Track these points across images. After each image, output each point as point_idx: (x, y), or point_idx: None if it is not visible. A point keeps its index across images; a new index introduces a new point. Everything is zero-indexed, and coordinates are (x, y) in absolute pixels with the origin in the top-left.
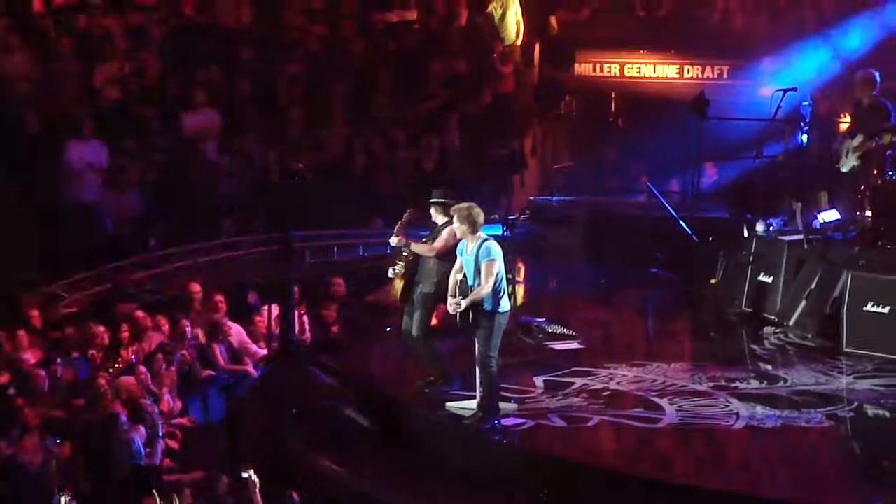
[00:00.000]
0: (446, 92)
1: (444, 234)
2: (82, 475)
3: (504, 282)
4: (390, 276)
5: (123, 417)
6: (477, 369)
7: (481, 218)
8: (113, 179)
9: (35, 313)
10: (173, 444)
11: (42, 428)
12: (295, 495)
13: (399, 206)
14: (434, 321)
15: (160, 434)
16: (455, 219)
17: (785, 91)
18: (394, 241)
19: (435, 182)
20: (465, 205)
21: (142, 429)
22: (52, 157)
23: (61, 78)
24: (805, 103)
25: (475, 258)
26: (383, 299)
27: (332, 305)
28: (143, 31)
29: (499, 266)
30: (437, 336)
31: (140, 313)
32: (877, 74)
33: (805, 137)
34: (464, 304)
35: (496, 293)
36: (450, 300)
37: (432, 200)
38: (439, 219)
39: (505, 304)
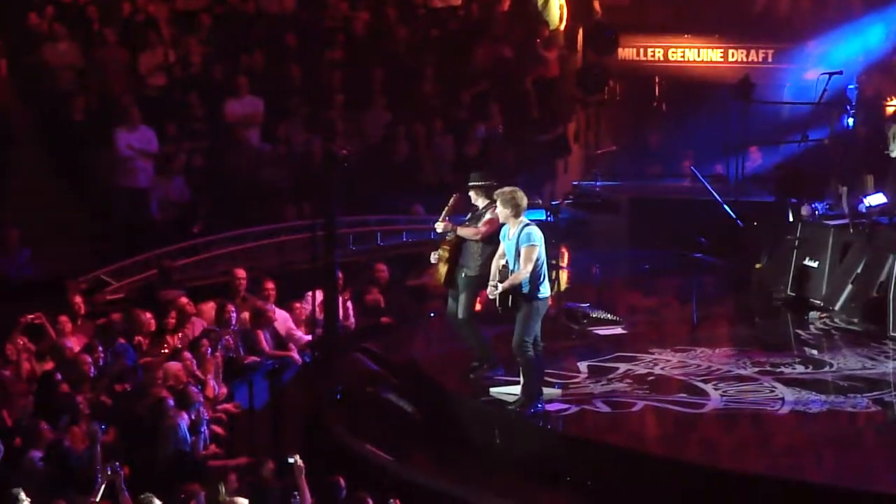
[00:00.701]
0: (489, 78)
1: (488, 215)
2: (127, 460)
3: (545, 267)
4: (433, 260)
5: (170, 403)
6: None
7: (524, 202)
8: (161, 166)
9: (79, 299)
10: (219, 430)
11: (90, 415)
12: (341, 480)
13: (441, 193)
14: (478, 306)
15: (205, 420)
16: (498, 203)
17: (831, 74)
18: (440, 226)
19: (476, 167)
20: (508, 189)
21: (187, 415)
22: (99, 145)
23: (107, 66)
24: (851, 87)
25: (516, 243)
26: (427, 284)
27: (375, 291)
28: (188, 18)
29: (539, 251)
30: (483, 322)
31: (184, 299)
32: None
33: (851, 121)
34: (500, 287)
35: (536, 278)
36: (490, 284)
37: (472, 183)
38: (480, 202)
39: (544, 290)
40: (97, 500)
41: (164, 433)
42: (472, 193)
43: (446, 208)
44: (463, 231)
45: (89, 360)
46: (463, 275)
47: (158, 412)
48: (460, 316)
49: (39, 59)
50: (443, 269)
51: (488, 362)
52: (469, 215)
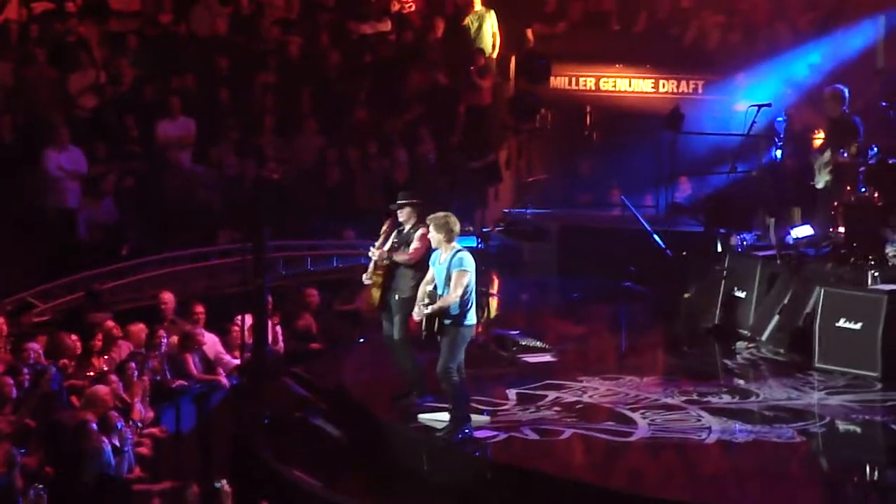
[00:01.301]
0: (422, 104)
1: (416, 237)
2: (50, 483)
3: (473, 294)
4: (366, 282)
5: (94, 426)
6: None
7: (457, 227)
8: (90, 187)
9: (2, 320)
10: (145, 453)
11: (11, 436)
12: None
13: (373, 218)
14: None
15: (130, 443)
16: (431, 227)
17: (759, 106)
18: (374, 254)
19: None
20: (441, 214)
21: (112, 439)
22: (27, 164)
23: (37, 86)
24: (779, 119)
25: (447, 267)
26: (358, 308)
27: (305, 315)
28: (120, 39)
29: (470, 278)
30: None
31: (110, 322)
32: (845, 90)
33: (779, 153)
34: (428, 310)
35: (464, 304)
36: (416, 308)
37: (400, 202)
38: (408, 223)
39: (471, 318)
40: None
41: (88, 456)
42: (399, 213)
43: (381, 236)
44: (397, 256)
45: (11, 381)
46: (396, 297)
47: (82, 435)
48: (396, 337)
49: None
50: (376, 293)
51: (418, 388)
52: (394, 234)
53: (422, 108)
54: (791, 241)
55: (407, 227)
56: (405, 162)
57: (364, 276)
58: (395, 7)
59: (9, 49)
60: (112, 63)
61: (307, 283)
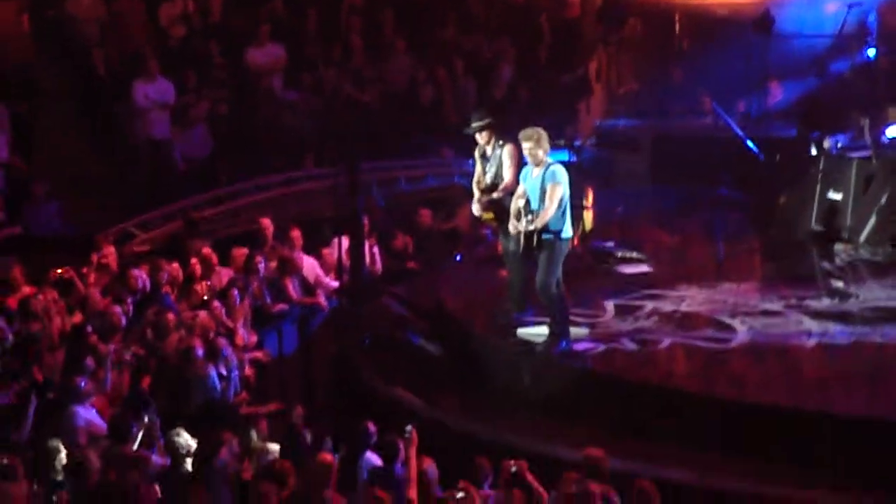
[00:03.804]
0: (512, 20)
1: (506, 157)
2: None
3: (568, 207)
4: (478, 214)
5: (199, 352)
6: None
7: (547, 143)
8: (180, 117)
9: (110, 250)
10: (249, 377)
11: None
12: (370, 426)
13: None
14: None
15: (235, 367)
16: (523, 144)
17: (851, 6)
18: (476, 210)
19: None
20: (531, 130)
21: (216, 364)
22: (120, 97)
23: (127, 18)
24: (871, 18)
25: (541, 182)
26: (456, 226)
27: (401, 236)
28: None
29: (564, 190)
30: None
31: (207, 250)
32: None
33: (872, 52)
34: (528, 226)
35: (560, 218)
36: (511, 223)
37: (475, 126)
38: (490, 144)
39: (568, 230)
40: (134, 448)
41: (195, 382)
42: (478, 136)
43: (476, 162)
44: (497, 194)
45: (119, 310)
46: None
47: (188, 361)
48: (513, 249)
49: (62, 13)
50: (489, 216)
51: (518, 303)
52: (481, 159)
53: (512, 24)
54: (887, 141)
55: (489, 148)
56: (497, 78)
57: (474, 209)
58: None
59: None
60: None
61: (413, 203)
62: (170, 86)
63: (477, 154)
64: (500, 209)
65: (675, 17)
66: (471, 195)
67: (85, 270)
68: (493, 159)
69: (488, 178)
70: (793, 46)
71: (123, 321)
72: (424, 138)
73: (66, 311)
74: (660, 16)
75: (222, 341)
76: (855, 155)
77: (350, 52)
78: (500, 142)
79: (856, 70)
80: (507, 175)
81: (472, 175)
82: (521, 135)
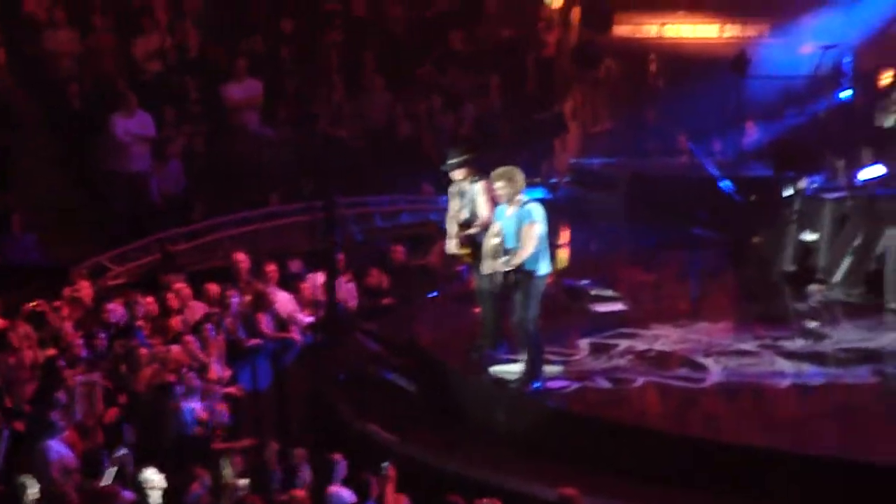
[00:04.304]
0: (490, 58)
1: (478, 194)
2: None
3: (545, 245)
4: (454, 251)
5: (174, 387)
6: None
7: (522, 181)
8: (158, 151)
9: (84, 284)
10: (223, 412)
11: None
12: (339, 458)
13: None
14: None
15: (209, 402)
16: (497, 182)
17: (826, 48)
18: (453, 248)
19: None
20: (506, 168)
21: (190, 399)
22: (97, 131)
23: (103, 52)
24: (846, 60)
25: (517, 220)
26: (429, 262)
27: (376, 272)
28: (183, 3)
29: (541, 229)
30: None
31: (180, 284)
32: None
33: (847, 94)
34: (506, 265)
35: (537, 256)
36: (487, 262)
37: (450, 164)
38: (466, 180)
39: (544, 268)
40: (106, 482)
41: (168, 416)
42: (454, 173)
43: (451, 198)
44: (472, 230)
45: (80, 342)
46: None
47: (162, 395)
48: (487, 287)
49: (39, 48)
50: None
51: (491, 340)
52: (457, 195)
53: (489, 62)
54: (861, 182)
55: (465, 184)
56: (471, 116)
57: (449, 246)
58: None
59: (74, 17)
60: (177, 27)
61: (387, 240)
62: (150, 119)
63: (453, 190)
64: (474, 246)
65: (651, 57)
66: (444, 232)
67: (58, 304)
68: (468, 195)
69: (464, 215)
70: (768, 87)
71: (84, 353)
72: (402, 174)
73: (37, 344)
74: (635, 55)
75: (192, 376)
76: (829, 196)
77: (328, 88)
78: (476, 178)
79: (831, 111)
80: (483, 211)
81: (446, 212)
82: (493, 175)
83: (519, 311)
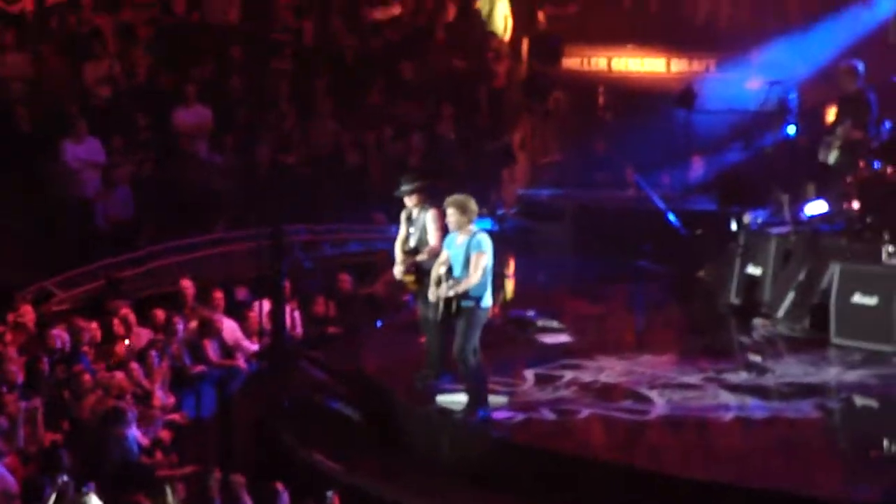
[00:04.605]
0: (440, 88)
1: (429, 221)
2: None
3: (490, 277)
4: (399, 278)
5: (119, 413)
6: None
7: (474, 211)
8: (106, 177)
9: (27, 309)
10: (166, 439)
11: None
12: (280, 487)
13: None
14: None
15: (151, 430)
16: (449, 210)
17: (772, 83)
18: (399, 274)
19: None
20: (461, 197)
21: (133, 425)
22: (46, 156)
23: (53, 77)
24: (792, 95)
25: (466, 250)
26: (375, 291)
27: (321, 300)
28: (133, 29)
29: (488, 259)
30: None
31: (126, 310)
32: (859, 65)
33: (792, 129)
34: (450, 293)
35: (481, 287)
36: (431, 290)
37: (404, 190)
38: (417, 207)
39: (488, 299)
40: None
41: (112, 443)
42: (406, 199)
43: (401, 225)
44: (421, 258)
45: (14, 367)
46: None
47: (108, 421)
48: (432, 317)
49: None
50: (410, 279)
51: (436, 370)
52: (406, 222)
53: (439, 92)
54: (805, 218)
55: (416, 211)
56: (420, 145)
57: (396, 272)
58: None
59: (25, 41)
60: (127, 53)
61: (334, 268)
62: (99, 145)
63: (403, 216)
64: (421, 273)
65: (599, 90)
66: (392, 261)
67: (1, 329)
68: (417, 223)
69: (412, 242)
70: (715, 121)
71: (20, 378)
72: (350, 203)
73: None
74: (584, 88)
75: (134, 402)
76: (774, 231)
77: (278, 116)
78: (427, 205)
79: (776, 146)
80: (433, 239)
81: (395, 240)
82: (446, 202)
83: (459, 341)
